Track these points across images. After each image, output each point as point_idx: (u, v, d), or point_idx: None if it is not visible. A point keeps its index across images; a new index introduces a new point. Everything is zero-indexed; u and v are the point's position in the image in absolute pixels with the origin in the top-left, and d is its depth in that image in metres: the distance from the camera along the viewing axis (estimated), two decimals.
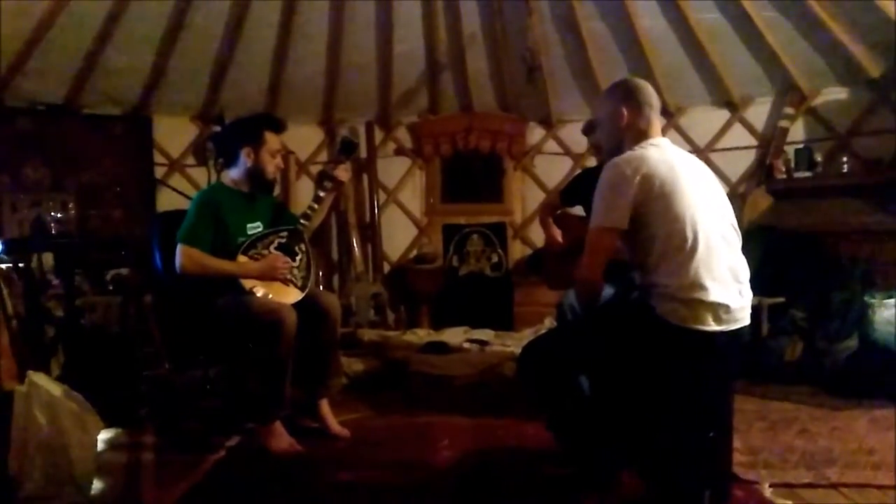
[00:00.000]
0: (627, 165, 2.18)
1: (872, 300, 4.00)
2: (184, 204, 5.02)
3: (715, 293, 2.08)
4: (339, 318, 3.07)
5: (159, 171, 5.60)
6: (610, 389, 2.25)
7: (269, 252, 2.94)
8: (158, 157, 5.61)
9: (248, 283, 2.82)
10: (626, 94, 2.35)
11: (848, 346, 3.94)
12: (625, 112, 2.31)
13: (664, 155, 2.25)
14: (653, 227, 2.14)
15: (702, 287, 2.08)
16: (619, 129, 2.34)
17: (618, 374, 2.22)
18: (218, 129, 5.37)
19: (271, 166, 3.03)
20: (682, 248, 2.10)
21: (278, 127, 3.11)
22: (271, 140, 3.02)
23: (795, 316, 4.22)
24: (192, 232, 2.84)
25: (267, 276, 2.87)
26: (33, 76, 4.79)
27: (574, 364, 2.25)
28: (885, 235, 4.31)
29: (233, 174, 3.06)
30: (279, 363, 2.69)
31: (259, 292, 2.81)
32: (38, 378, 2.34)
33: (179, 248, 2.82)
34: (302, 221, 3.07)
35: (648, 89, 2.37)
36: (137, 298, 4.19)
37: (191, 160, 5.70)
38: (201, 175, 5.56)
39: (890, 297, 3.96)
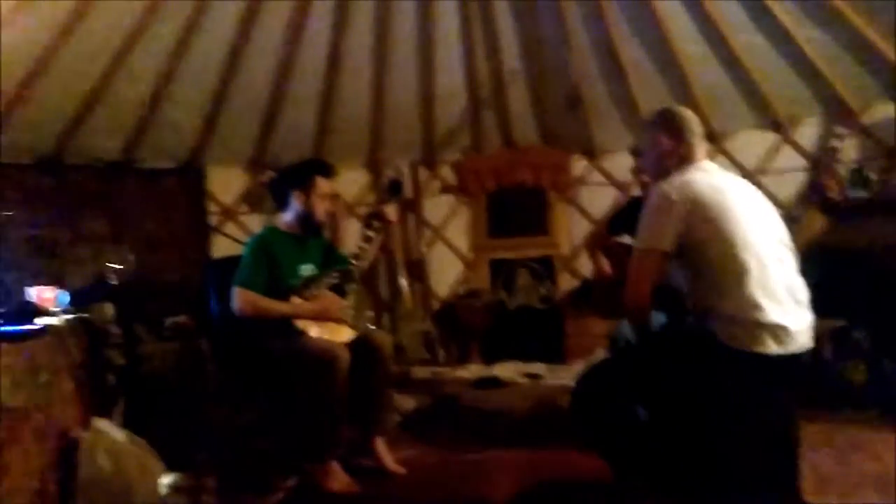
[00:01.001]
0: (673, 189, 2.19)
1: None
2: (238, 251, 5.20)
3: (772, 313, 2.05)
4: (391, 356, 3.10)
5: (213, 220, 5.76)
6: (670, 417, 2.21)
7: (323, 293, 3.00)
8: (212, 206, 5.77)
9: (300, 324, 2.87)
10: (665, 122, 2.37)
11: None
12: (665, 140, 2.33)
13: (710, 179, 2.25)
14: (705, 251, 2.13)
15: (758, 307, 2.05)
16: (660, 157, 2.36)
17: (677, 401, 2.18)
18: (271, 174, 5.52)
19: (321, 209, 3.11)
20: (735, 271, 2.09)
21: (328, 172, 3.20)
22: (322, 184, 3.10)
23: (858, 338, 4.09)
24: (247, 275, 2.92)
25: (321, 317, 2.92)
26: (91, 133, 4.99)
27: (631, 393, 2.22)
28: None
29: (285, 218, 3.15)
30: (333, 402, 2.71)
31: (312, 332, 2.86)
32: (103, 424, 2.41)
33: (236, 291, 2.89)
34: (352, 261, 3.13)
35: (688, 115, 2.39)
36: (194, 344, 4.29)
37: (243, 208, 5.84)
38: (253, 222, 5.70)
39: None
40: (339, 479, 2.80)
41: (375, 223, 3.24)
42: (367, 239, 3.20)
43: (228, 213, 5.79)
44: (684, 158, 2.31)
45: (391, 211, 3.25)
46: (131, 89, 4.80)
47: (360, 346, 2.92)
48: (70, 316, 3.39)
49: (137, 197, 5.46)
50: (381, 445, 3.04)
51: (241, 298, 2.88)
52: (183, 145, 5.50)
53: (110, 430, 2.40)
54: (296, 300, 2.94)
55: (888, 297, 4.16)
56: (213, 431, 3.54)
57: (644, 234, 2.18)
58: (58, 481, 2.28)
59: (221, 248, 5.52)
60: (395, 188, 3.38)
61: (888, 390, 3.77)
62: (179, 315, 4.83)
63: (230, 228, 5.73)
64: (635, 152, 3.44)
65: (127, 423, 3.32)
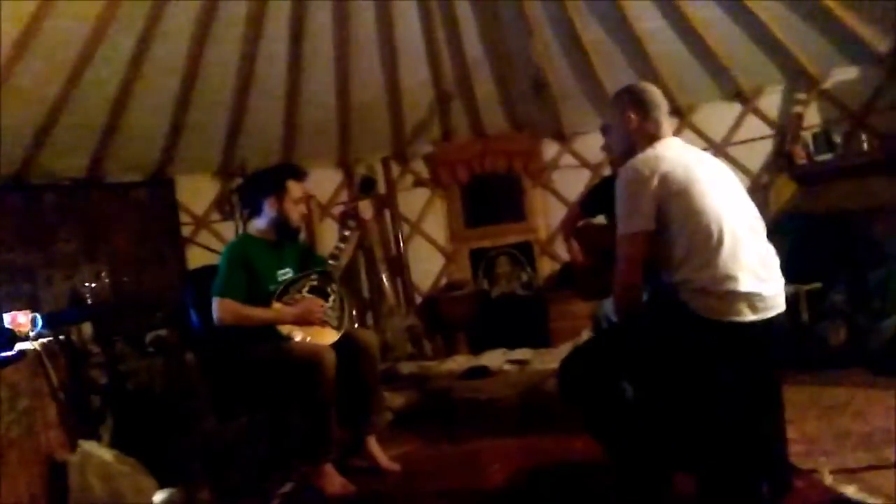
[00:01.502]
0: (644, 166, 2.20)
1: None
2: (214, 260, 5.16)
3: (746, 283, 2.08)
4: (378, 354, 3.09)
5: (186, 230, 5.70)
6: (654, 390, 2.24)
7: (303, 296, 2.99)
8: (184, 217, 5.72)
9: (285, 329, 2.86)
10: (632, 99, 2.38)
11: (891, 324, 3.85)
12: (632, 116, 2.33)
13: (678, 153, 2.27)
14: (676, 225, 2.14)
15: (732, 278, 2.07)
16: (628, 134, 2.37)
17: (660, 374, 2.21)
18: (241, 181, 5.48)
19: (295, 214, 3.09)
20: (708, 242, 2.11)
21: (299, 175, 3.17)
22: (294, 188, 3.08)
23: (835, 300, 4.15)
24: (225, 284, 2.90)
25: (303, 321, 2.91)
26: (55, 151, 4.90)
27: (616, 370, 2.24)
28: None
29: (258, 224, 3.12)
30: (323, 404, 2.70)
31: (297, 337, 2.85)
32: (90, 446, 2.39)
33: (215, 302, 2.87)
34: (330, 262, 3.12)
35: (653, 91, 2.40)
36: (178, 357, 4.25)
37: (215, 216, 5.80)
38: (227, 229, 5.66)
39: None
40: (334, 481, 2.80)
41: (351, 222, 3.22)
42: (344, 238, 3.18)
43: (201, 223, 5.74)
44: (651, 135, 2.32)
45: (366, 209, 3.23)
46: (92, 103, 4.72)
47: (347, 346, 2.91)
48: (47, 339, 3.35)
49: (108, 212, 5.37)
50: (374, 445, 3.04)
51: (220, 308, 2.86)
52: (150, 156, 5.43)
53: (98, 451, 2.37)
54: (277, 306, 2.92)
55: (860, 256, 4.24)
56: (204, 443, 3.52)
57: (625, 218, 2.18)
58: None
59: (197, 258, 5.48)
60: (367, 186, 3.37)
61: (867, 349, 3.83)
62: (160, 329, 4.79)
63: (204, 237, 5.69)
64: (604, 130, 3.45)
65: (116, 442, 3.30)
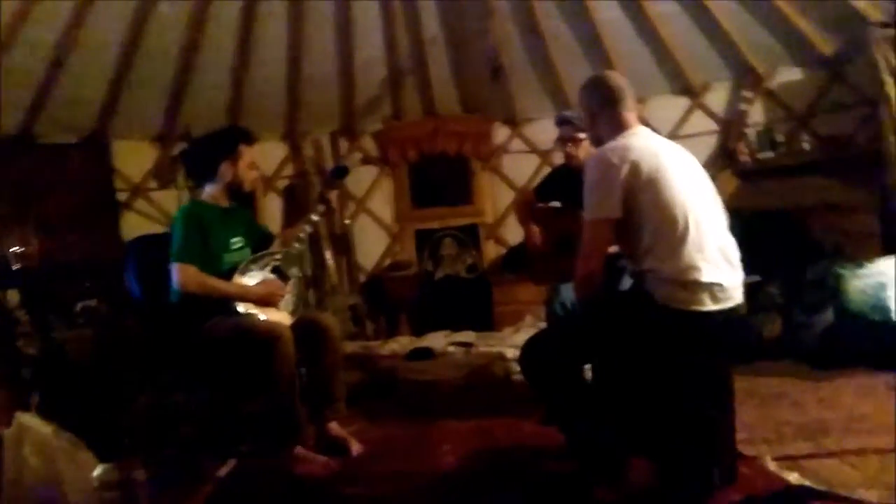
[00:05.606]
0: (613, 154, 2.21)
1: (844, 271, 4.08)
2: (151, 228, 4.98)
3: (709, 273, 2.11)
4: (339, 337, 3.03)
5: (121, 197, 5.48)
6: (614, 377, 2.26)
7: (266, 278, 2.91)
8: (120, 183, 5.49)
9: (242, 307, 2.77)
10: (599, 90, 2.38)
11: (825, 318, 4.00)
12: (598, 107, 2.34)
13: (646, 143, 2.28)
14: (643, 214, 2.16)
15: (696, 269, 2.11)
16: (595, 124, 2.38)
17: (621, 361, 2.23)
18: (185, 147, 5.28)
19: (249, 178, 2.99)
20: (673, 233, 2.13)
21: (250, 139, 3.07)
22: (246, 153, 2.98)
23: (771, 293, 4.29)
24: (185, 249, 2.76)
25: (265, 302, 2.83)
26: None
27: (577, 356, 2.25)
28: (849, 208, 4.43)
29: (210, 190, 2.99)
30: (284, 384, 2.61)
31: (252, 314, 2.76)
32: (27, 419, 2.26)
33: (177, 267, 2.73)
34: (296, 245, 3.05)
35: (620, 81, 2.41)
36: (111, 329, 4.08)
37: (153, 184, 5.58)
38: (165, 198, 5.47)
39: (860, 267, 4.05)
40: (314, 461, 2.71)
41: (321, 207, 3.15)
42: (311, 223, 3.11)
43: (137, 190, 5.52)
44: (619, 125, 2.33)
45: (335, 196, 3.19)
46: (27, 61, 4.46)
47: (307, 329, 2.83)
48: None
49: (39, 174, 5.09)
50: (338, 428, 2.94)
51: (183, 274, 2.72)
52: (86, 118, 5.18)
53: (36, 424, 2.24)
54: (239, 280, 2.82)
55: (798, 253, 4.39)
56: (138, 419, 3.39)
57: (592, 205, 2.19)
58: None
59: (132, 226, 5.28)
60: (341, 172, 3.28)
61: (801, 341, 3.98)
62: (90, 299, 4.60)
63: (140, 205, 5.49)
64: (561, 121, 3.45)
65: (46, 416, 3.14)
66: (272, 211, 5.84)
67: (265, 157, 5.66)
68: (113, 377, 3.68)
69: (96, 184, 5.41)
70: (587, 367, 2.38)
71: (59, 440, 2.27)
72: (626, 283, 2.48)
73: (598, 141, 2.38)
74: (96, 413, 3.34)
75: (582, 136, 3.14)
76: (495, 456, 2.78)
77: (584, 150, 3.20)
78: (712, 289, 2.12)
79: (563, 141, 3.40)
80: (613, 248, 2.34)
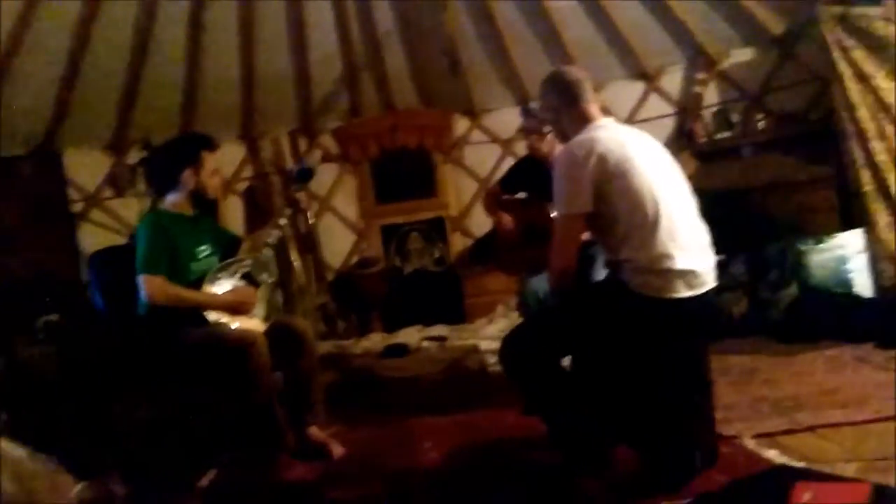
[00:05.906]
0: (580, 148, 2.22)
1: (805, 247, 4.18)
2: (111, 240, 4.86)
3: (682, 260, 2.14)
4: (314, 340, 3.00)
5: (76, 208, 5.34)
6: (594, 367, 2.28)
7: (236, 285, 2.86)
8: (74, 193, 5.34)
9: (212, 315, 2.72)
10: (559, 85, 2.39)
11: (789, 294, 4.10)
12: (560, 103, 2.35)
13: (612, 134, 2.30)
14: (615, 205, 2.18)
15: (669, 257, 2.14)
16: (559, 120, 2.39)
17: (600, 351, 2.25)
18: (145, 154, 5.16)
19: (213, 186, 2.93)
20: (645, 222, 2.16)
21: (212, 145, 3.01)
22: (209, 159, 2.92)
23: (735, 272, 4.37)
24: (151, 260, 2.69)
25: (236, 310, 2.78)
26: None
27: (556, 348, 2.26)
28: (807, 184, 4.53)
29: (173, 198, 2.92)
30: (262, 391, 2.57)
31: (223, 323, 2.71)
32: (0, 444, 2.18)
33: (143, 279, 2.66)
34: (265, 251, 3.00)
35: (579, 75, 2.42)
36: (74, 343, 3.98)
37: (109, 192, 5.44)
38: (122, 206, 5.35)
39: (821, 242, 4.16)
40: (295, 468, 2.69)
41: (288, 211, 3.11)
42: (279, 227, 3.06)
43: (93, 200, 5.38)
44: (583, 119, 2.35)
45: (305, 198, 3.15)
46: None
47: (281, 334, 2.80)
48: None
49: None
50: (318, 432, 2.91)
51: (150, 285, 2.65)
52: (34, 129, 5.01)
53: (9, 448, 2.17)
54: (208, 289, 2.77)
55: (759, 231, 4.48)
56: (113, 434, 3.32)
57: (563, 200, 2.21)
58: None
59: (89, 238, 5.15)
60: (306, 175, 3.24)
61: (767, 318, 4.07)
62: (50, 314, 4.48)
63: (96, 216, 5.35)
64: (525, 114, 3.47)
65: (15, 436, 3.05)
66: (233, 213, 5.75)
67: (223, 158, 5.54)
68: (82, 393, 3.60)
69: (50, 195, 5.25)
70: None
71: (33, 463, 2.20)
72: (601, 272, 2.50)
73: (563, 136, 2.38)
74: (69, 430, 3.26)
75: (546, 129, 3.15)
76: (479, 450, 2.79)
77: (549, 143, 3.22)
78: (686, 276, 2.15)
79: (527, 132, 3.41)
80: (585, 236, 2.36)
